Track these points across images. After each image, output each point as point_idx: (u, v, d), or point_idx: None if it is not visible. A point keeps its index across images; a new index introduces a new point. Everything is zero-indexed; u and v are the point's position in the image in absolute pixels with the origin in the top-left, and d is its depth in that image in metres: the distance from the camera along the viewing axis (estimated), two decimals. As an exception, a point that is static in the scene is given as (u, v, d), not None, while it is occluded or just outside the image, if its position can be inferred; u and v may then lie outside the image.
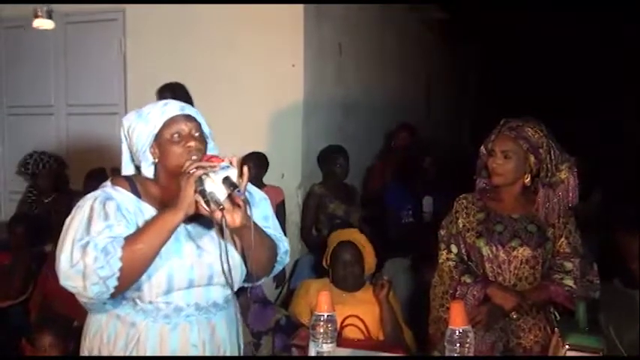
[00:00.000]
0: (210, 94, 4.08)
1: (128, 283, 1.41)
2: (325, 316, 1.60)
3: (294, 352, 2.30)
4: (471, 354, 1.55)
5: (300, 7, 4.06)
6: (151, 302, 1.51)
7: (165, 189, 1.56)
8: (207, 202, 1.37)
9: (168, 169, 1.53)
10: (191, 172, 1.39)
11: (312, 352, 1.61)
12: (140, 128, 1.55)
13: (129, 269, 1.38)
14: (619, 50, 7.59)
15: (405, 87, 6.34)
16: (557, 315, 2.11)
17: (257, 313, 2.38)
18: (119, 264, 1.36)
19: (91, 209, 1.46)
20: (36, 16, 4.11)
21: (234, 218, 1.41)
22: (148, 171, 1.59)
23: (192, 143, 1.52)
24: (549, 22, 7.05)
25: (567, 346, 1.74)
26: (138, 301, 1.51)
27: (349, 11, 4.80)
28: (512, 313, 2.08)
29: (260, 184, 3.85)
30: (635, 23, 6.12)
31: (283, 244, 1.68)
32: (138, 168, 1.64)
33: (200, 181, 1.38)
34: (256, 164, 3.84)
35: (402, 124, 4.94)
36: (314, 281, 2.96)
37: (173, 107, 1.57)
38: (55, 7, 4.16)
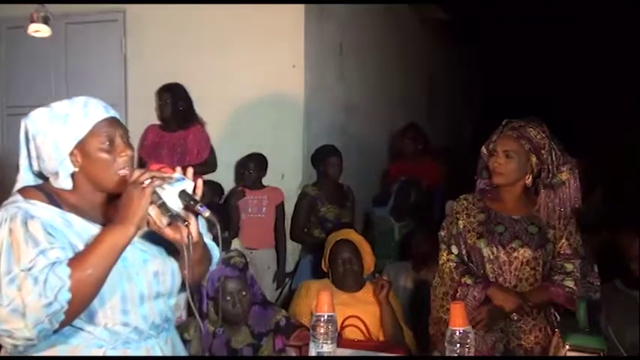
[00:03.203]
0: (211, 94, 4.08)
1: (76, 315, 1.22)
2: (325, 317, 1.59)
3: (290, 352, 2.31)
4: (472, 355, 1.55)
5: (300, 7, 4.06)
6: (106, 327, 1.32)
7: (79, 196, 1.37)
8: (172, 217, 1.25)
9: (94, 179, 1.36)
10: (146, 183, 1.23)
11: (312, 353, 1.61)
12: (57, 132, 1.33)
13: (78, 300, 1.18)
14: (619, 50, 7.59)
15: (406, 87, 6.34)
16: (558, 316, 2.11)
17: (258, 314, 2.38)
18: (68, 296, 1.16)
19: (11, 233, 1.22)
20: (32, 21, 4.03)
21: (185, 239, 1.28)
22: (67, 182, 1.36)
23: (128, 152, 1.36)
24: (550, 21, 7.05)
25: (568, 347, 1.74)
26: (91, 329, 1.32)
27: (350, 11, 4.79)
28: (513, 314, 2.08)
29: (260, 186, 3.86)
30: (634, 24, 6.12)
31: (215, 253, 1.55)
32: (39, 176, 1.43)
33: (157, 194, 1.24)
34: (257, 166, 3.84)
35: (408, 124, 4.83)
36: (314, 282, 2.96)
37: (96, 108, 1.37)
38: (55, 7, 4.14)
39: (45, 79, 4.66)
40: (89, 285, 1.20)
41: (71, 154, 1.34)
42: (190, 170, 1.33)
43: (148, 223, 1.26)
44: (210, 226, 1.55)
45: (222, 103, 4.17)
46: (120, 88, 4.45)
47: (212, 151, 3.92)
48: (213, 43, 4.18)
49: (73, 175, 1.37)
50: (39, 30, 4.04)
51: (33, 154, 1.39)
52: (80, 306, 1.21)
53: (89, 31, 4.56)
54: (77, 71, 4.56)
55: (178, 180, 1.28)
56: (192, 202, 1.26)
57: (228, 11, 4.11)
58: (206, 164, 3.82)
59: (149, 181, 1.24)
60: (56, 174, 1.37)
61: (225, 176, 3.98)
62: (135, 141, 3.83)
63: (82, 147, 1.34)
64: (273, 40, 4.09)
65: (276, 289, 3.82)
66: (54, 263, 1.19)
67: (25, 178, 1.43)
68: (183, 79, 3.92)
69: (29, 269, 1.17)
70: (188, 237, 1.27)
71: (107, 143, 1.34)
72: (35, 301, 1.14)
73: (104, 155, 1.34)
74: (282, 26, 4.09)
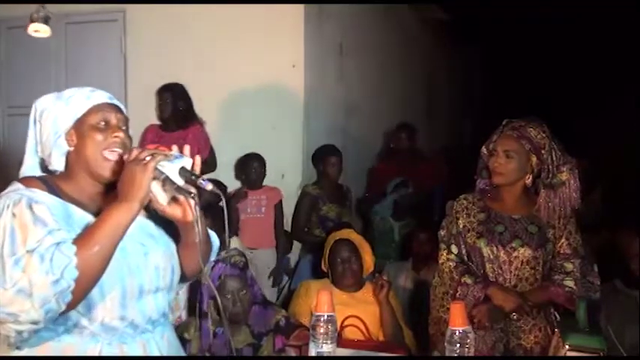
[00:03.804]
0: (211, 94, 4.08)
1: (82, 295, 1.19)
2: (325, 317, 1.59)
3: (290, 351, 2.31)
4: (472, 354, 1.55)
5: (300, 7, 4.06)
6: (103, 323, 1.30)
7: (77, 186, 1.37)
8: (177, 189, 1.25)
9: (85, 159, 1.35)
10: (147, 159, 1.23)
11: (312, 353, 1.60)
12: (59, 110, 1.37)
13: (85, 278, 1.16)
14: (619, 50, 7.59)
15: (406, 87, 6.34)
16: (558, 316, 2.11)
17: (258, 313, 2.38)
18: (75, 273, 1.14)
19: (16, 217, 1.20)
20: (32, 21, 3.99)
21: (193, 211, 1.29)
22: (59, 162, 1.38)
23: (120, 134, 1.36)
24: (550, 21, 7.05)
25: (568, 347, 1.74)
26: (86, 323, 1.29)
27: (350, 11, 4.79)
28: (513, 313, 2.08)
29: (259, 186, 3.86)
30: (634, 24, 6.11)
31: (215, 240, 1.56)
32: (41, 166, 1.43)
33: (158, 170, 1.24)
34: (257, 165, 3.84)
35: (401, 124, 4.84)
36: (314, 282, 2.96)
37: (101, 94, 1.40)
38: (55, 7, 4.14)
39: (45, 79, 4.65)
40: (95, 263, 1.18)
41: (67, 132, 1.36)
42: (187, 147, 1.32)
43: (150, 202, 1.26)
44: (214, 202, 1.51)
45: (222, 103, 4.17)
46: (120, 88, 4.44)
47: (212, 151, 3.92)
48: (213, 44, 4.18)
49: (67, 159, 1.37)
50: (38, 30, 4.03)
51: (38, 136, 1.40)
52: (86, 285, 1.18)
53: (89, 31, 4.56)
54: (77, 71, 4.56)
55: (177, 157, 1.26)
56: (193, 177, 1.25)
57: (228, 11, 4.11)
58: (206, 164, 3.78)
59: (150, 157, 1.23)
60: (50, 155, 1.38)
61: (225, 176, 3.98)
62: (135, 141, 3.85)
63: (78, 127, 1.35)
64: (273, 40, 4.09)
65: (272, 286, 3.81)
66: (59, 243, 1.17)
67: (29, 161, 1.43)
68: (183, 79, 3.92)
69: (35, 248, 1.15)
70: (195, 208, 1.27)
71: (102, 123, 1.36)
72: (42, 278, 1.12)
73: (97, 134, 1.34)
74: (282, 26, 4.09)
